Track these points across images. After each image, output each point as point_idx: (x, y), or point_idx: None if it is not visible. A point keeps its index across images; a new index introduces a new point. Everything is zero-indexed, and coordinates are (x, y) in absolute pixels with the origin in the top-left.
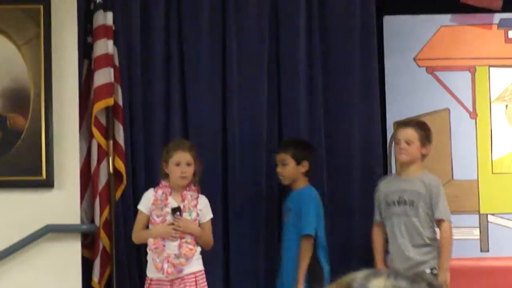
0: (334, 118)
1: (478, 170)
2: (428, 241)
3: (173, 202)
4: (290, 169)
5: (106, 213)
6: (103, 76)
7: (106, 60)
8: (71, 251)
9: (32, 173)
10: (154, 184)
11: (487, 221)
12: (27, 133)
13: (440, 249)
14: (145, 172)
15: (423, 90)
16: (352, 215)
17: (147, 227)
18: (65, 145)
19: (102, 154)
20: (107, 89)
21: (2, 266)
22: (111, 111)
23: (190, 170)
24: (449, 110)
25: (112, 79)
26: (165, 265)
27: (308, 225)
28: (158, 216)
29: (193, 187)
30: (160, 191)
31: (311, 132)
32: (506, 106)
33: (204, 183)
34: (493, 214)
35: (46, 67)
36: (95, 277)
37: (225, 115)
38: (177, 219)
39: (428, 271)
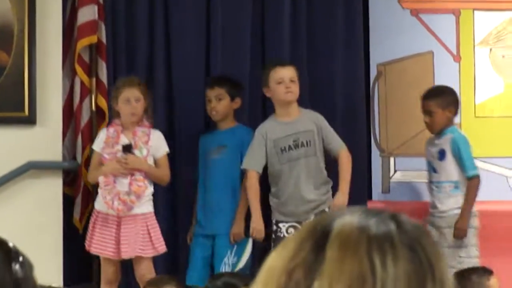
0: (317, 59)
1: (461, 114)
2: (327, 179)
3: (124, 140)
4: (225, 104)
5: (88, 150)
6: (87, 14)
7: None
8: (52, 188)
9: (15, 110)
10: None
11: None
12: (10, 69)
13: (341, 175)
14: None
15: (407, 33)
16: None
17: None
18: (48, 82)
19: (85, 91)
20: (91, 27)
21: None
22: (94, 49)
23: (139, 106)
24: (433, 53)
25: (96, 17)
26: (116, 202)
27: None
28: (108, 154)
29: (145, 123)
30: (111, 129)
31: None
32: (490, 50)
33: (187, 123)
34: (475, 158)
35: (30, 4)
36: (76, 215)
37: (208, 60)
38: (125, 156)
39: (326, 209)
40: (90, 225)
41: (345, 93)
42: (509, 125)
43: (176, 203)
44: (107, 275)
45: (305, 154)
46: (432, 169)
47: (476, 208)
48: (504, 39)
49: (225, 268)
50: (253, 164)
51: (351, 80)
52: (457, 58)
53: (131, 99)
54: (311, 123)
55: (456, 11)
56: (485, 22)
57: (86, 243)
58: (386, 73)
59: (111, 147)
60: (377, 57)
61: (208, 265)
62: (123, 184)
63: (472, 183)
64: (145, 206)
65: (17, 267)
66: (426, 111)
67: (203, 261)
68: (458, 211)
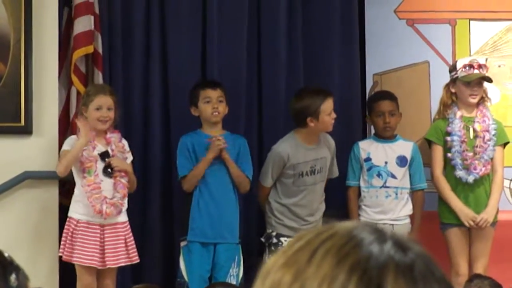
0: (314, 69)
1: None
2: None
3: (100, 147)
4: (224, 106)
5: None
6: (83, 24)
7: (86, 7)
8: (48, 198)
9: (11, 120)
10: (132, 132)
11: None
12: (6, 79)
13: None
14: (124, 120)
15: (403, 43)
16: None
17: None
18: (44, 92)
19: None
20: (87, 37)
21: None
22: (90, 59)
23: (111, 115)
24: (428, 62)
25: (92, 27)
26: (104, 206)
27: (251, 170)
28: (89, 156)
29: (114, 130)
30: None
31: (291, 83)
32: (486, 59)
33: (183, 131)
34: None
35: (27, 14)
36: None
37: (204, 64)
38: (109, 160)
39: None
40: (67, 234)
41: (341, 103)
42: None
43: (173, 210)
44: (86, 284)
45: (318, 180)
46: (389, 174)
47: None
48: (500, 49)
49: (231, 280)
50: (269, 182)
51: (347, 90)
52: None
53: (103, 107)
54: (327, 150)
55: (452, 21)
56: (481, 32)
57: (65, 254)
58: (382, 83)
59: (91, 151)
60: (373, 67)
61: (208, 276)
62: (109, 189)
63: (423, 194)
64: (123, 215)
65: (12, 278)
66: (391, 112)
67: (205, 272)
68: (408, 219)
